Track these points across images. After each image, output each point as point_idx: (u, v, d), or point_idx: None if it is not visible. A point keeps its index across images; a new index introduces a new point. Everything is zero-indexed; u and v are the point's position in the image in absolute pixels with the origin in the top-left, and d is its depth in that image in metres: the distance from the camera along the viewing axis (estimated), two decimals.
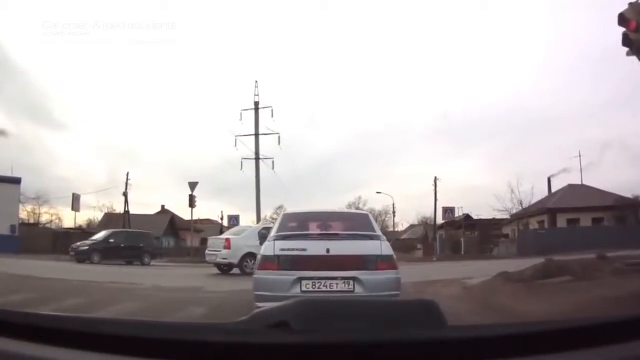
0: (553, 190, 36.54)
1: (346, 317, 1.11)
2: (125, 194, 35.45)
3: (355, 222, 6.19)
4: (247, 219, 32.21)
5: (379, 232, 5.69)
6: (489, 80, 65.69)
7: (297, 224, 6.13)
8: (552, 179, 37.34)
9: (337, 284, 4.95)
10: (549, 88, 60.04)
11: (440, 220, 36.90)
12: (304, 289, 4.90)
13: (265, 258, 5.20)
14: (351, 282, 4.96)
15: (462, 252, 31.66)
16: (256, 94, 31.95)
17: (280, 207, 58.33)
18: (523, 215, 33.48)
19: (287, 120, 63.89)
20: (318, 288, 4.93)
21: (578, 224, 31.60)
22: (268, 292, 4.88)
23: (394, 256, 5.35)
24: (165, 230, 45.52)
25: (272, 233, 5.60)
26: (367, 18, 71.21)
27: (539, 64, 63.70)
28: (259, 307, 2.90)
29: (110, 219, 39.85)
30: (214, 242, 15.89)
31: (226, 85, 66.73)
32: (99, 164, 71.00)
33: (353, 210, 8.85)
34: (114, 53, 56.71)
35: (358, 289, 4.93)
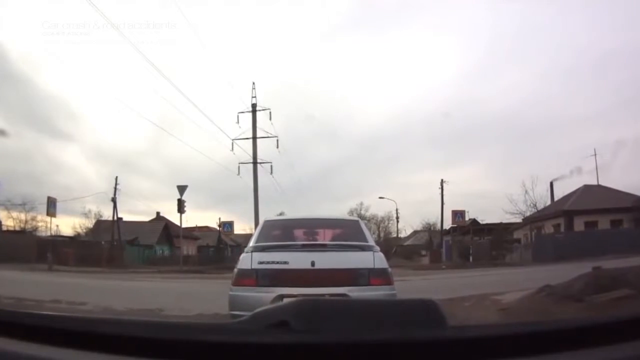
0: (563, 193, 34.57)
1: (346, 317, 1.10)
2: (114, 200, 33.51)
3: (345, 230, 5.77)
4: (246, 227, 30.85)
5: (371, 242, 5.19)
6: (491, 85, 63.80)
7: (280, 233, 5.66)
8: (554, 183, 34.86)
9: None
10: (549, 95, 58.12)
11: (449, 224, 34.66)
12: None
13: (242, 272, 4.69)
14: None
15: (471, 259, 29.23)
16: (254, 95, 30.93)
17: (280, 214, 57.04)
18: (537, 219, 31.10)
19: (287, 127, 62.39)
20: None
21: (596, 227, 30.27)
22: (245, 312, 3.94)
23: (389, 270, 4.86)
24: (160, 238, 43.65)
25: (251, 243, 5.11)
26: (369, 22, 69.58)
27: (539, 70, 61.66)
28: None
29: (101, 226, 37.78)
30: None
31: (224, 87, 64.70)
32: (95, 171, 69.30)
33: (342, 217, 8.53)
34: (107, 54, 54.80)
35: None
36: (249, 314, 3.10)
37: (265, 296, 4.35)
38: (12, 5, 44.04)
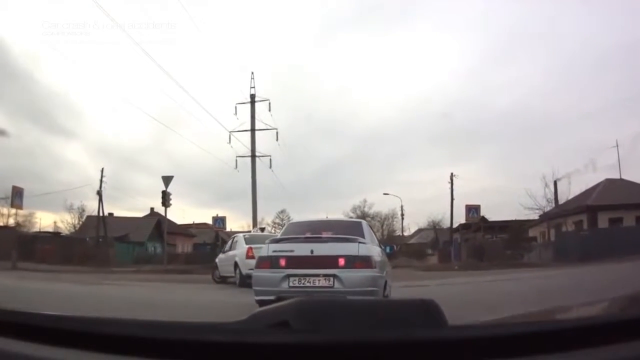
0: (572, 191, 32.36)
1: (346, 317, 1.10)
2: (99, 193, 30.93)
3: (348, 229, 6.87)
4: (244, 224, 28.67)
5: (367, 237, 6.48)
6: (494, 82, 61.18)
7: (298, 231, 7.13)
8: (558, 183, 32.39)
9: (319, 280, 5.78)
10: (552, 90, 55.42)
11: (463, 220, 31.63)
12: (291, 284, 5.83)
13: (261, 258, 6.26)
14: (331, 278, 5.76)
15: (483, 259, 26.41)
16: (252, 86, 28.65)
17: (282, 212, 54.94)
18: (557, 215, 28.37)
19: (288, 123, 59.89)
20: (303, 284, 5.80)
21: (621, 223, 28.64)
22: (263, 287, 5.97)
23: (372, 257, 6.02)
24: (152, 235, 41.12)
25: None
26: (373, 19, 67.13)
27: (543, 64, 58.88)
28: (258, 299, 5.44)
29: (90, 221, 35.38)
30: None
31: (223, 81, 62.05)
32: (93, 167, 67.06)
33: (348, 219, 10.42)
34: (104, 49, 52.16)
35: (337, 285, 5.75)
36: (266, 288, 5.18)
37: (277, 275, 5.91)
38: (12, 5, 42.06)
